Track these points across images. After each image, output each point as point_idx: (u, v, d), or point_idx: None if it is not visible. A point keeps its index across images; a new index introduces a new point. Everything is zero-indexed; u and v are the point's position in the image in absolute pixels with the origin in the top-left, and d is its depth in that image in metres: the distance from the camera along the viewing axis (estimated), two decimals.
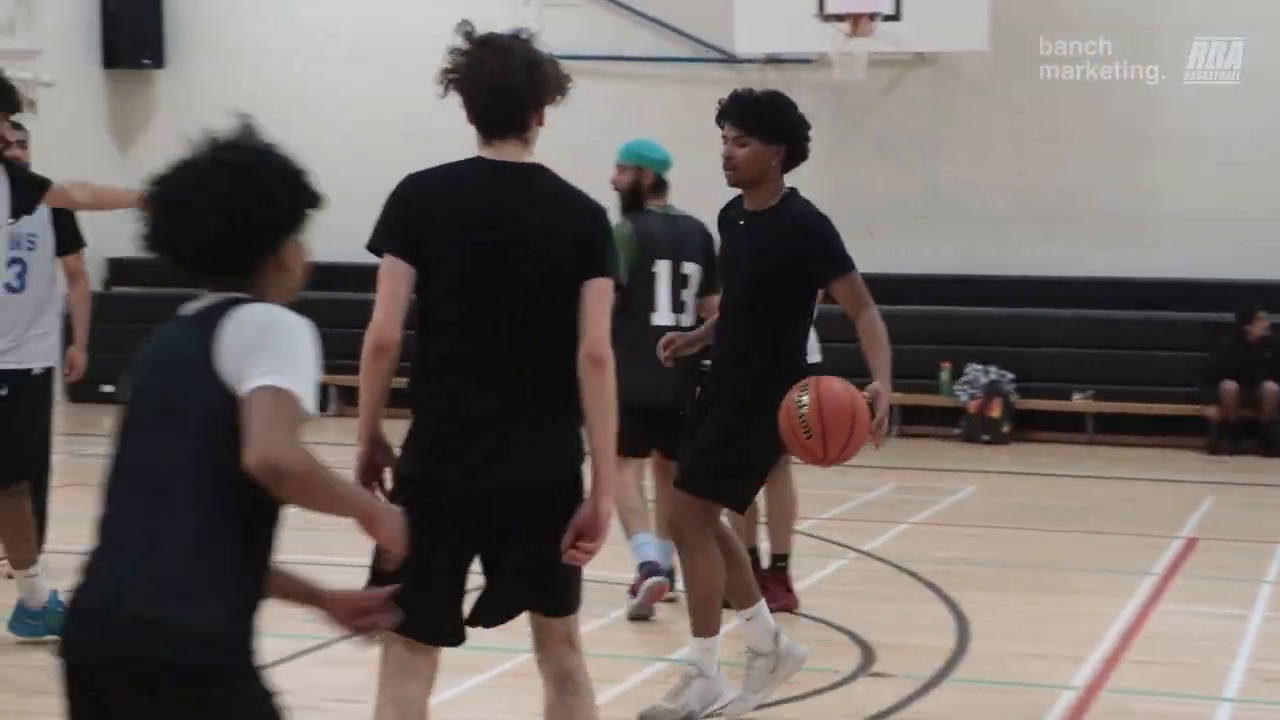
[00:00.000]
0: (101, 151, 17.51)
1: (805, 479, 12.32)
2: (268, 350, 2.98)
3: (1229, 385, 14.74)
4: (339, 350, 17.12)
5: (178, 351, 3.09)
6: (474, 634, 4.39)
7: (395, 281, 4.13)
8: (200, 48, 17.63)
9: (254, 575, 3.04)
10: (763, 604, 6.08)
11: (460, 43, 4.26)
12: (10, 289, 7.78)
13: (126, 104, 17.81)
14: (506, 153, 4.24)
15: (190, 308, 3.18)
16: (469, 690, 6.33)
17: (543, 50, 4.30)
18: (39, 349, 7.86)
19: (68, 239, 8.27)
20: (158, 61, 17.54)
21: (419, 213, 4.18)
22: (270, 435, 2.89)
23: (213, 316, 3.06)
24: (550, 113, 4.34)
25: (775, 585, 7.74)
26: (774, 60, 16.45)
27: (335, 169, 17.21)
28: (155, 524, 2.98)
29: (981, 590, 8.46)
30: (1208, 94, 15.55)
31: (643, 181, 8.09)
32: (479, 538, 4.22)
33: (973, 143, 16.05)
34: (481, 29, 4.31)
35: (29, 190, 6.93)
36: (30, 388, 7.77)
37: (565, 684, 4.33)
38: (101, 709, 2.96)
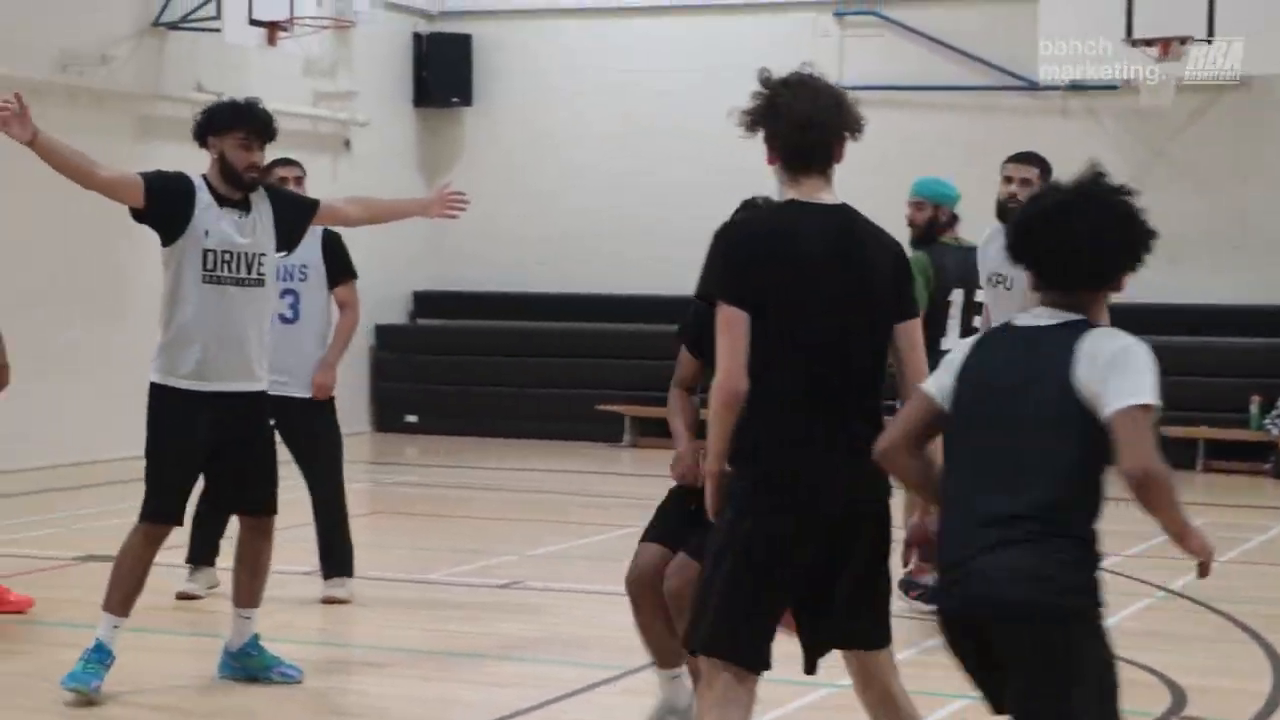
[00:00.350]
0: (412, 186, 18.00)
1: (1110, 512, 12.03)
2: (1129, 370, 3.65)
3: None
4: (637, 382, 17.39)
5: (1038, 360, 3.75)
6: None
7: (737, 333, 4.23)
8: (504, 88, 18.02)
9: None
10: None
11: (762, 85, 4.39)
12: (284, 320, 8.03)
13: (435, 140, 18.28)
14: (814, 191, 4.35)
15: (1033, 320, 3.82)
16: None
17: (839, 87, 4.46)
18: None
19: (339, 270, 8.38)
20: (465, 100, 17.98)
21: (758, 262, 4.26)
22: (1143, 448, 3.57)
23: (1067, 337, 3.72)
24: (865, 137, 4.46)
25: None
26: (1077, 87, 16.12)
27: (615, 201, 17.48)
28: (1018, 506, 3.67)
29: None
30: None
31: (938, 219, 8.44)
32: (810, 568, 4.33)
33: None
34: (781, 61, 4.52)
35: (297, 218, 6.83)
36: (304, 415, 8.02)
37: (890, 708, 4.47)
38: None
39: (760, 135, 4.39)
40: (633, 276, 17.08)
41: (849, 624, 4.40)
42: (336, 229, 8.09)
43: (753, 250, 4.28)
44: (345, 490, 8.40)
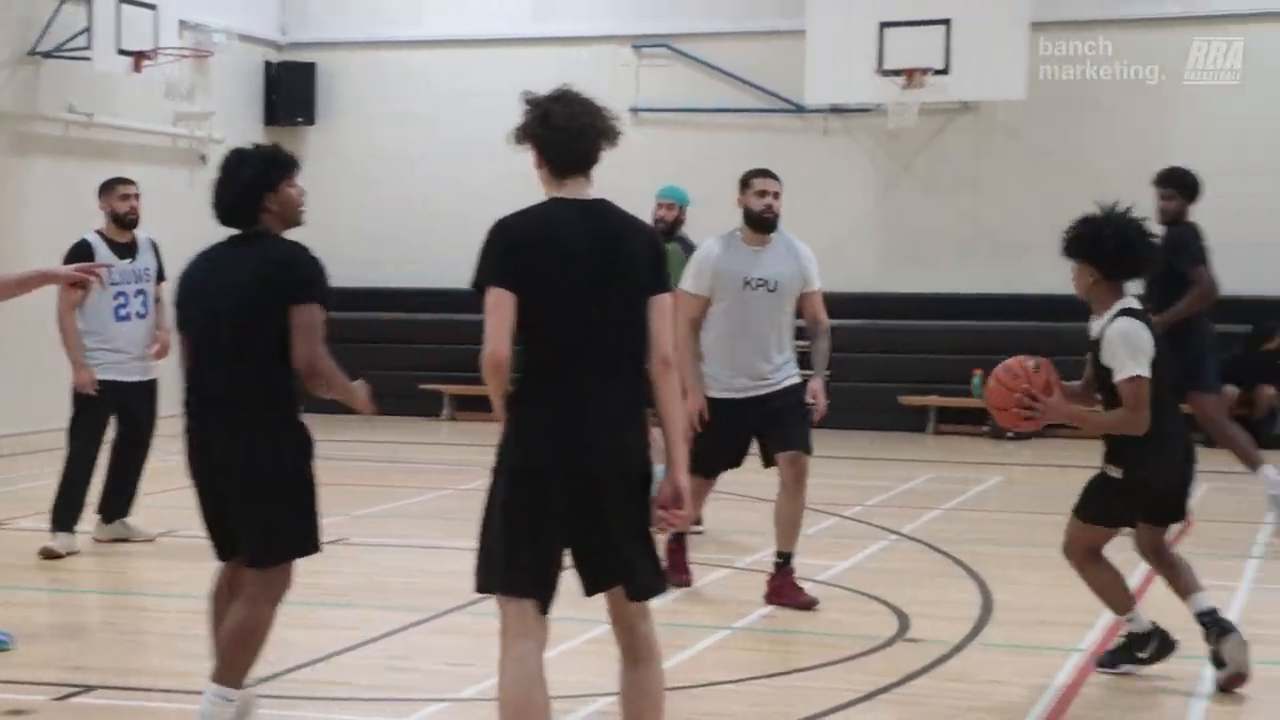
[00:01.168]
0: None
1: (851, 471, 12.46)
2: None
3: (1229, 388, 14.62)
4: (454, 363, 17.48)
5: None
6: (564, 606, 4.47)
7: (502, 310, 4.23)
8: (342, 109, 18.01)
9: None
10: None
11: (530, 103, 4.39)
12: (140, 316, 8.49)
13: None
14: (576, 190, 4.35)
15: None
16: (558, 656, 6.49)
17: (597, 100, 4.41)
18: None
19: (160, 273, 8.99)
20: (309, 119, 17.95)
21: (520, 248, 4.26)
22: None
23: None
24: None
25: (787, 586, 7.40)
26: (837, 110, 16.55)
27: (436, 211, 17.52)
28: None
29: (1004, 568, 8.48)
30: (1212, 118, 15.47)
31: (681, 217, 9.56)
32: (573, 517, 4.30)
33: (1004, 181, 16.07)
34: (586, 86, 4.47)
35: None
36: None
37: (638, 653, 4.44)
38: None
39: (528, 146, 4.40)
40: (446, 271, 17.00)
41: (608, 571, 4.37)
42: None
43: (516, 238, 4.27)
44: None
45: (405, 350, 17.23)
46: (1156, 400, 5.82)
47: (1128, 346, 5.79)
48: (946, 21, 15.15)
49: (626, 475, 4.34)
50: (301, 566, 5.17)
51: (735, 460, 7.48)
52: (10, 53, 14.32)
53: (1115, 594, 6.16)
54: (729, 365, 7.29)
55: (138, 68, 14.60)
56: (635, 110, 17.04)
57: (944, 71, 15.20)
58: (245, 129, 17.61)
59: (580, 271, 4.26)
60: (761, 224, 7.44)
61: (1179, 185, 9.81)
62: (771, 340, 7.32)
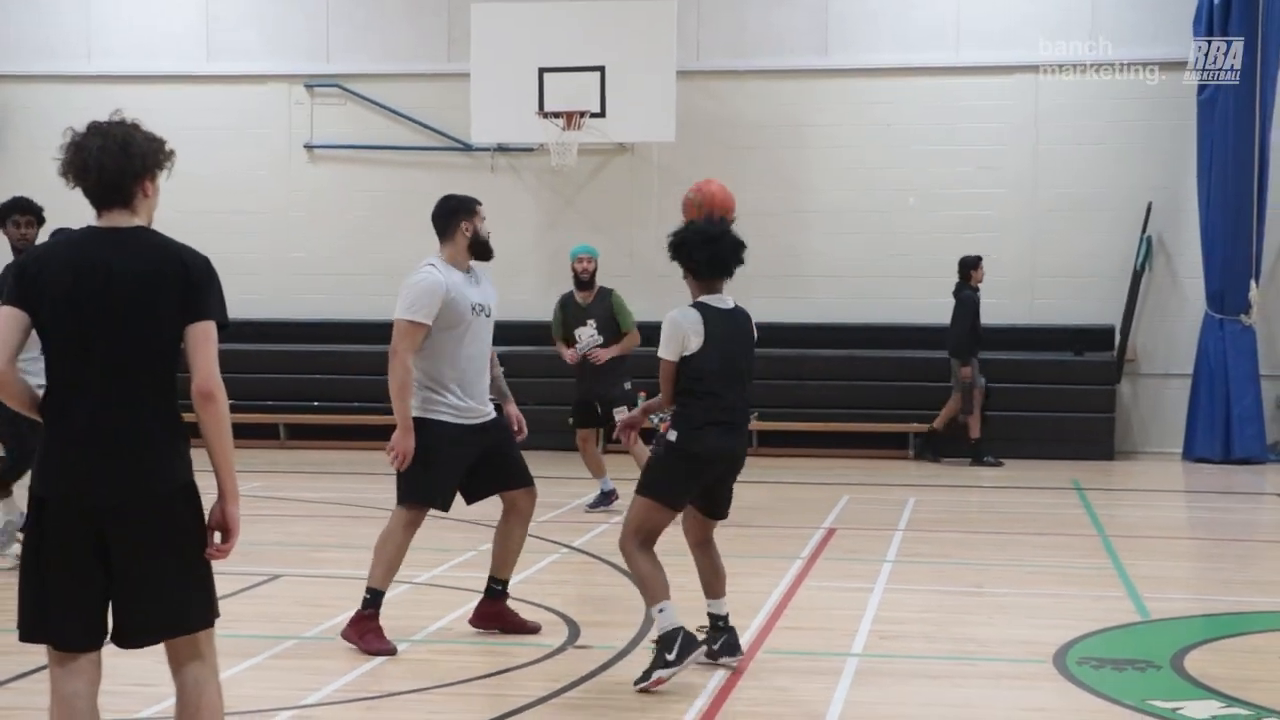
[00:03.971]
0: None
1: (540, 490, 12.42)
2: None
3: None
4: None
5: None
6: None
7: (3, 326, 4.02)
8: (12, 148, 17.06)
9: None
10: None
11: (70, 136, 4.15)
12: None
13: None
14: (113, 220, 4.12)
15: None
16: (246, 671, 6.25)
17: (144, 131, 4.15)
18: None
19: None
20: None
21: (30, 276, 4.07)
22: None
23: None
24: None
25: (508, 612, 7.15)
26: (503, 149, 16.57)
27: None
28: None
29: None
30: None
31: (591, 270, 11.23)
32: (83, 554, 3.98)
33: (661, 217, 16.39)
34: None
35: None
36: None
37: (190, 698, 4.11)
38: None
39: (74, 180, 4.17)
40: None
41: (135, 613, 4.02)
42: None
43: (33, 263, 4.07)
44: None
45: None
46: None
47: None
48: (601, 69, 15.36)
49: (143, 504, 4.01)
50: None
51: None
52: None
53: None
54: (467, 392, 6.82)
55: None
56: (310, 147, 16.70)
57: (600, 114, 15.40)
58: None
59: (82, 301, 4.01)
60: (486, 252, 7.16)
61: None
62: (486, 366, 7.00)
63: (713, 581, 6.50)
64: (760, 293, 15.11)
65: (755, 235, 15.89)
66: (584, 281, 11.14)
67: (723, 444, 6.21)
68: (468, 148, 16.49)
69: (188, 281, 4.04)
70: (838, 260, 16.31)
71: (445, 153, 16.75)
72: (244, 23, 16.95)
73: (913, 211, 16.19)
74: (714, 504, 6.41)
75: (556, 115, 15.37)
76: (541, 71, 15.38)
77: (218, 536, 4.08)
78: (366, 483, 12.86)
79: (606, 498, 11.17)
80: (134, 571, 3.99)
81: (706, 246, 6.25)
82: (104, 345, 4.00)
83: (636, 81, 15.26)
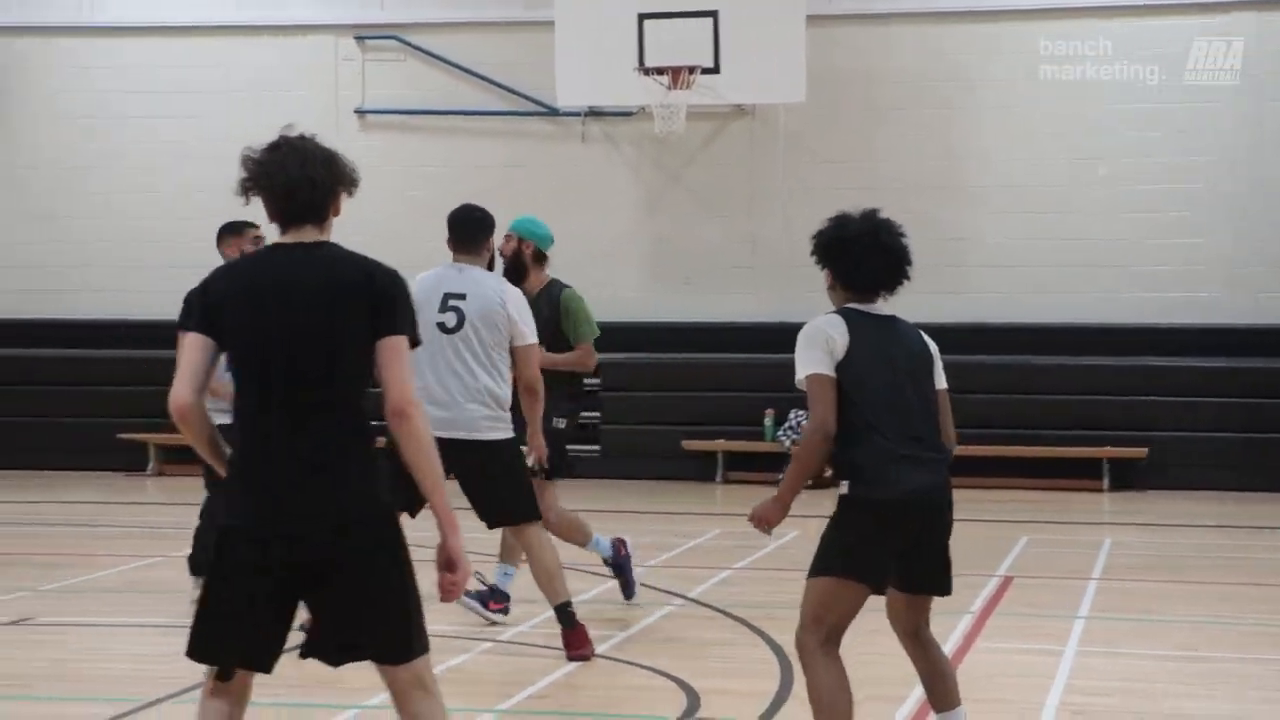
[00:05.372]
0: None
1: (629, 526, 12.46)
2: None
3: None
4: (155, 409, 16.98)
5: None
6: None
7: (188, 352, 4.55)
8: (16, 110, 17.40)
9: None
10: None
11: (252, 152, 4.61)
12: None
13: None
14: (301, 236, 4.63)
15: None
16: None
17: (329, 146, 4.67)
18: None
19: None
20: None
21: (220, 297, 4.58)
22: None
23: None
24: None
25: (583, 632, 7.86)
26: (595, 113, 16.61)
27: (128, 226, 16.86)
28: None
29: None
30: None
31: (523, 252, 9.15)
32: (279, 577, 4.46)
33: (788, 193, 16.32)
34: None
35: None
36: None
37: None
38: None
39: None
40: (140, 299, 16.61)
41: (347, 637, 4.52)
42: None
43: (216, 285, 4.60)
44: None
45: (97, 394, 16.61)
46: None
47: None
48: (714, 14, 15.34)
49: (347, 531, 4.49)
50: None
51: None
52: None
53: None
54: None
55: None
56: (361, 112, 16.86)
57: (714, 70, 15.37)
58: None
59: (270, 316, 4.52)
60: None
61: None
62: None
63: (937, 686, 5.87)
64: (910, 287, 14.97)
65: (903, 217, 15.79)
66: (508, 268, 9.25)
67: (916, 482, 5.55)
68: (553, 112, 16.55)
69: (376, 295, 4.53)
70: (1007, 247, 16.16)
71: (525, 118, 16.83)
72: None
73: (1101, 184, 15.99)
74: (919, 572, 5.74)
75: (660, 72, 15.38)
76: (641, 18, 15.41)
77: (446, 573, 4.52)
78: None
79: (492, 597, 8.89)
80: (336, 599, 4.47)
81: (859, 252, 5.71)
82: (295, 364, 4.50)
83: (757, 30, 15.24)
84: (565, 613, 7.86)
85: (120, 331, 16.88)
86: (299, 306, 4.50)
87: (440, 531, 4.50)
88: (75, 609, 9.24)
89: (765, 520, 5.79)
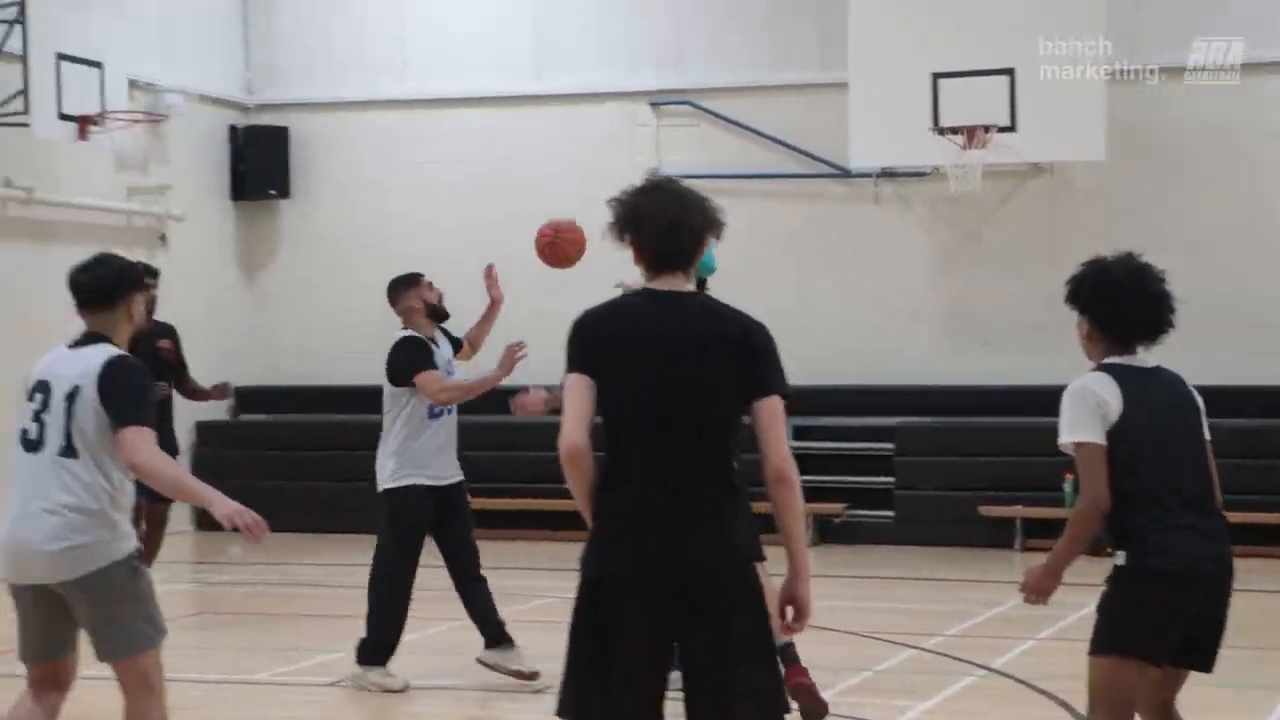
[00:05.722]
0: (230, 278, 17.88)
1: (927, 595, 12.25)
2: None
3: None
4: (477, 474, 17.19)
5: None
6: None
7: (576, 393, 4.50)
8: (321, 180, 17.97)
9: None
10: None
11: (624, 194, 4.67)
12: None
13: (253, 233, 18.15)
14: (671, 284, 4.63)
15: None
16: None
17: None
18: None
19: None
20: (283, 192, 17.89)
21: (598, 340, 4.57)
22: None
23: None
24: None
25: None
26: (888, 174, 16.49)
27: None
28: None
29: None
30: None
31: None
32: (655, 635, 4.46)
33: (1090, 252, 15.93)
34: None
35: None
36: None
37: None
38: None
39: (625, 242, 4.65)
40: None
41: (715, 700, 4.47)
42: None
43: (590, 327, 4.57)
44: None
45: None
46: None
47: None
48: (1010, 72, 15.11)
49: (718, 578, 4.50)
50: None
51: None
52: None
53: None
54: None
55: (83, 134, 14.57)
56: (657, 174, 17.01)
57: (1010, 128, 15.14)
58: (210, 204, 17.62)
59: (656, 366, 4.51)
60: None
61: None
62: None
63: None
64: (1217, 347, 14.50)
65: (1208, 274, 15.49)
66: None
67: (1201, 551, 5.29)
68: (845, 173, 16.47)
69: (751, 350, 4.57)
70: None
71: (816, 180, 16.78)
72: (579, 33, 17.41)
73: None
74: (1191, 646, 5.41)
75: (955, 131, 15.20)
76: (936, 78, 15.25)
77: (789, 613, 4.56)
78: None
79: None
80: (710, 655, 4.45)
81: (1124, 297, 5.51)
82: (668, 413, 4.49)
83: (1054, 87, 14.95)
84: (788, 653, 7.65)
85: None
86: (677, 356, 4.49)
87: (795, 578, 4.55)
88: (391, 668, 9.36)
89: (1037, 591, 5.59)
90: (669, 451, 4.47)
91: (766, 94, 16.94)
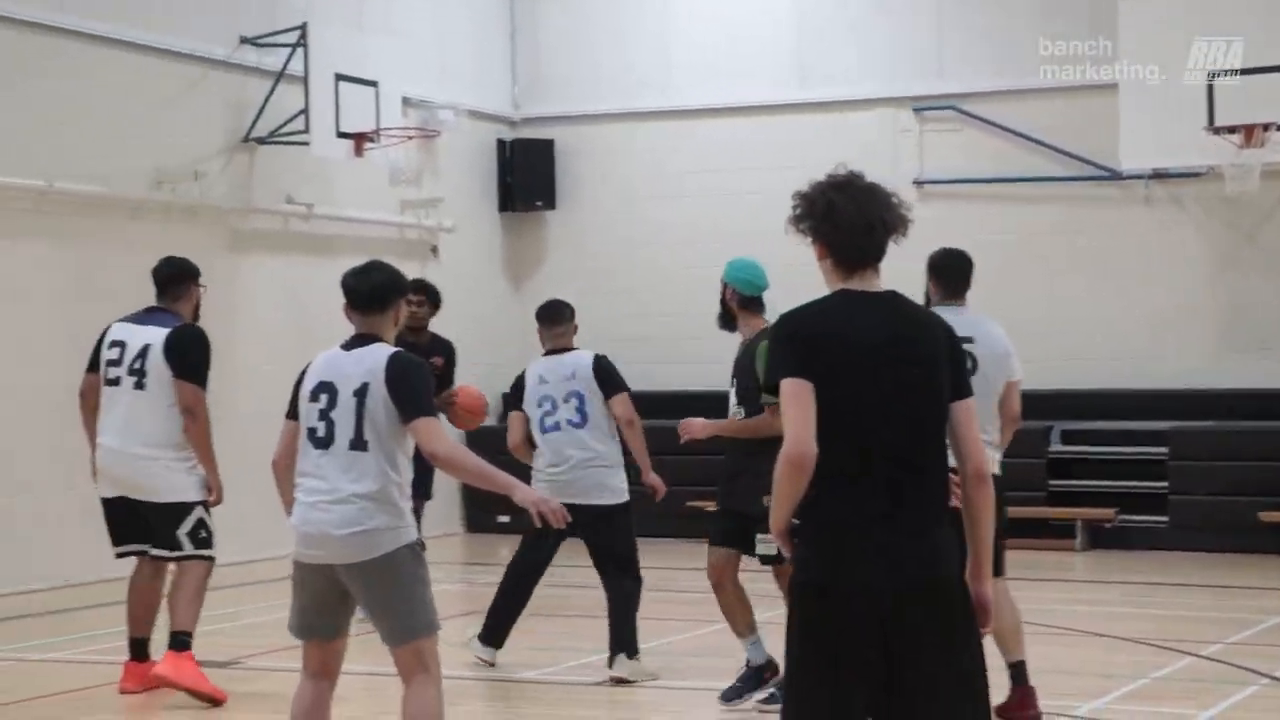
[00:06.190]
0: (498, 289, 18.21)
1: (1205, 601, 11.91)
2: None
3: None
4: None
5: None
6: None
7: (803, 401, 4.32)
8: (586, 191, 18.21)
9: None
10: None
11: (812, 189, 4.54)
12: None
13: (519, 244, 18.48)
14: (865, 283, 4.49)
15: None
16: None
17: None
18: None
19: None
20: (549, 204, 18.18)
21: (811, 342, 4.38)
22: None
23: None
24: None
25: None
26: (1159, 175, 16.10)
27: (696, 302, 17.52)
28: None
29: None
30: None
31: (725, 301, 8.62)
32: (869, 651, 4.31)
33: None
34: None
35: None
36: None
37: None
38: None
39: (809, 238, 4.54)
40: (714, 374, 17.13)
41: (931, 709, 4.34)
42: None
43: (803, 331, 4.41)
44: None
45: (667, 462, 17.05)
46: None
47: None
48: None
49: (932, 596, 4.37)
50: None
51: None
52: (223, 140, 14.85)
53: None
54: None
55: (359, 151, 14.98)
56: (919, 182, 16.87)
57: None
58: (478, 216, 18.00)
59: (874, 370, 4.37)
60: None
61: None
62: None
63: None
64: None
65: None
66: (720, 316, 8.98)
67: None
68: (1114, 176, 16.12)
69: (953, 351, 4.50)
70: None
71: (1084, 183, 16.47)
72: (843, 40, 17.35)
73: None
74: None
75: (1231, 130, 14.75)
76: (1211, 76, 14.83)
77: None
78: None
79: (757, 678, 8.47)
80: (924, 668, 4.33)
81: None
82: (897, 417, 4.38)
83: None
84: (1020, 670, 7.54)
85: (680, 402, 17.34)
86: (902, 360, 4.38)
87: (977, 579, 4.50)
88: (665, 669, 9.41)
89: None
90: (896, 456, 4.35)
91: (1033, 97, 16.67)
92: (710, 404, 17.00)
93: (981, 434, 7.32)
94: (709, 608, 8.80)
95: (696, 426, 8.28)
